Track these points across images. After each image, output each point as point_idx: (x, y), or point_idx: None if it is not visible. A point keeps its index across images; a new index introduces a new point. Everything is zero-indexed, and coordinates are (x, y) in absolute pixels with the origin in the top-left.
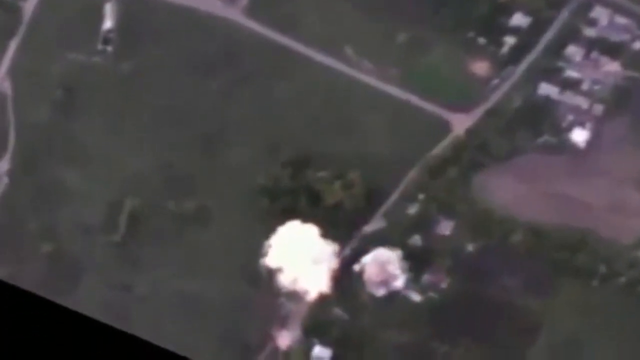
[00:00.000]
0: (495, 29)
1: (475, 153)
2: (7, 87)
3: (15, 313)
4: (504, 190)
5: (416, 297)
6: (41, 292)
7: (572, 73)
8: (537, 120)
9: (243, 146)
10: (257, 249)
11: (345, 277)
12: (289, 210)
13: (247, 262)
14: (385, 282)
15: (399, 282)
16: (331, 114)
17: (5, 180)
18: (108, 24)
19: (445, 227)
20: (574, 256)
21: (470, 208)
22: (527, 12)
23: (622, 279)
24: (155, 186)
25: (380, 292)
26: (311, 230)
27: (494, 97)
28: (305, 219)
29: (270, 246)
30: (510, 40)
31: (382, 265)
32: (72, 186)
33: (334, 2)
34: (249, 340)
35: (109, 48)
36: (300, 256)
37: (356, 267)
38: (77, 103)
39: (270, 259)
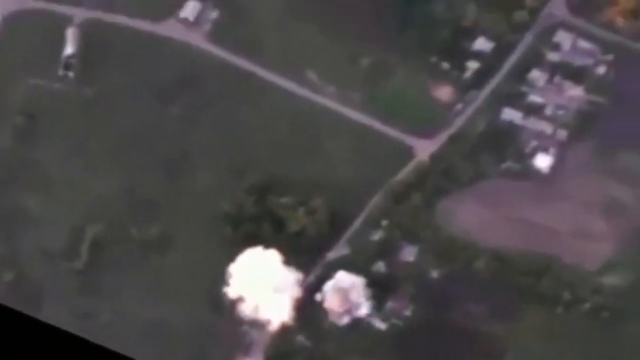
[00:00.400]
0: (458, 54)
1: (439, 178)
2: None
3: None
4: (468, 216)
5: (380, 324)
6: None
7: (535, 98)
8: (500, 146)
9: (207, 171)
10: (221, 276)
11: (308, 306)
12: (252, 237)
13: (210, 289)
14: (348, 311)
15: (363, 310)
16: (295, 139)
17: None
18: (69, 49)
19: (409, 254)
20: (538, 282)
21: (434, 234)
22: (490, 37)
23: (587, 305)
24: (118, 212)
25: (344, 320)
26: (273, 258)
27: (458, 122)
28: (269, 245)
29: (230, 274)
30: (473, 65)
31: (345, 294)
32: (34, 213)
33: (297, 26)
34: None
35: (71, 74)
36: (261, 284)
37: (318, 297)
38: (38, 129)
39: (232, 288)
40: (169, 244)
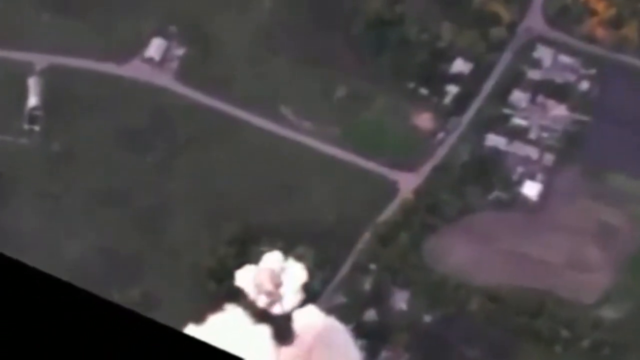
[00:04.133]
0: (436, 78)
1: (425, 215)
2: None
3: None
4: (458, 254)
5: None
6: None
7: (518, 120)
8: (486, 175)
9: (185, 223)
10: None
11: None
12: (235, 292)
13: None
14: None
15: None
16: (273, 181)
17: None
18: (33, 100)
19: (401, 299)
20: (534, 321)
21: (424, 276)
22: (468, 58)
23: (586, 342)
24: (96, 274)
25: None
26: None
27: (441, 152)
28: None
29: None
30: (452, 89)
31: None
32: None
33: (268, 60)
34: None
35: (36, 127)
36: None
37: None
38: (5, 189)
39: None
40: (152, 304)
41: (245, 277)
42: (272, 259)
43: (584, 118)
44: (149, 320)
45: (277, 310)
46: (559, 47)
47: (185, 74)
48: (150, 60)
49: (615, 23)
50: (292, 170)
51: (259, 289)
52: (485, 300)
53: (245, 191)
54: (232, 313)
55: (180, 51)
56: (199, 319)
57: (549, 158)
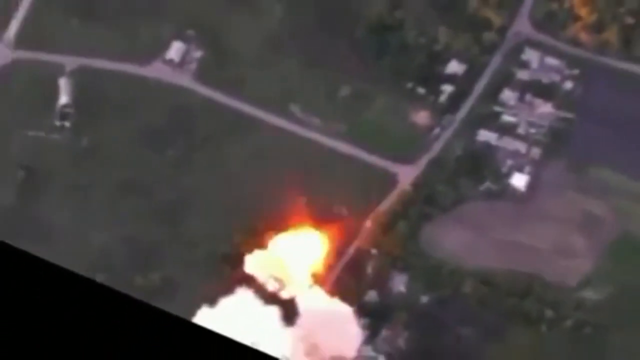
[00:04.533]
0: (432, 78)
1: (422, 205)
2: None
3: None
4: (452, 240)
5: (374, 353)
6: None
7: (508, 117)
8: (478, 167)
9: (202, 213)
10: None
11: None
12: (247, 277)
13: None
14: None
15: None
16: (284, 174)
17: None
18: (63, 99)
19: (400, 282)
20: (522, 302)
21: (421, 261)
22: (462, 59)
23: (569, 322)
24: (120, 261)
25: None
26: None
27: (437, 147)
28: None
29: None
30: (447, 89)
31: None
32: None
33: (277, 61)
34: None
35: (67, 124)
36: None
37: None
38: (39, 182)
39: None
40: (172, 288)
41: (255, 263)
42: (281, 245)
43: (568, 115)
44: (161, 311)
45: (285, 294)
46: (545, 49)
47: (202, 75)
48: (170, 62)
49: (597, 28)
50: (301, 163)
51: (268, 274)
52: (477, 283)
53: (257, 183)
54: (243, 296)
55: (198, 54)
56: (213, 301)
57: (536, 152)
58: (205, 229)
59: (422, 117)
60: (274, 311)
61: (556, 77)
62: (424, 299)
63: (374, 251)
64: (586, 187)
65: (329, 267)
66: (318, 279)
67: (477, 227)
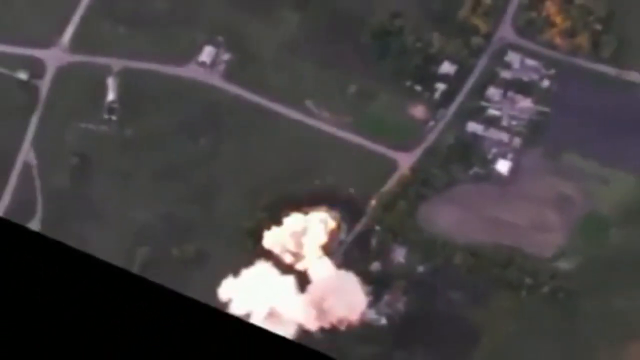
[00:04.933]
0: (428, 77)
1: (419, 187)
2: (32, 157)
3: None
4: (445, 218)
5: (377, 315)
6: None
7: (493, 111)
8: (467, 155)
9: (231, 195)
10: None
11: None
12: (267, 251)
13: None
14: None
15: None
16: (300, 161)
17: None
18: (111, 96)
19: (400, 254)
20: (505, 271)
21: (418, 235)
22: (454, 61)
23: (545, 289)
24: (160, 235)
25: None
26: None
27: (431, 137)
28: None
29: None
30: (441, 86)
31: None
32: (91, 241)
33: (294, 63)
34: None
35: (113, 117)
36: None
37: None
38: (90, 167)
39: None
40: (204, 259)
41: (273, 238)
42: (296, 222)
43: (545, 109)
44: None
45: (299, 265)
46: (525, 52)
47: (230, 75)
48: (202, 64)
49: (570, 33)
50: (315, 150)
51: (284, 248)
52: (466, 254)
53: (277, 169)
54: (263, 267)
55: (226, 57)
56: (237, 272)
57: (517, 141)
58: (233, 208)
59: (418, 111)
60: (290, 280)
61: (535, 76)
62: (421, 268)
63: (377, 227)
64: (560, 171)
65: (339, 242)
66: (329, 252)
67: (467, 206)
